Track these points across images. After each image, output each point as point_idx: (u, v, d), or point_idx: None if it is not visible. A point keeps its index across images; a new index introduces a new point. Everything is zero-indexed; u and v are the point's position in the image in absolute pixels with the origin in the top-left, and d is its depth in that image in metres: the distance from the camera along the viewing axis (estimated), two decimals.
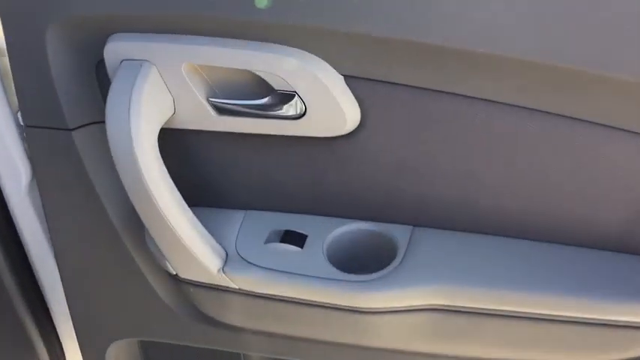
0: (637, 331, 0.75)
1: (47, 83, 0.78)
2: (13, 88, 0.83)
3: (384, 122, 0.75)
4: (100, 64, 0.78)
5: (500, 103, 0.70)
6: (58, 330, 1.11)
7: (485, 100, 0.70)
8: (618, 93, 0.65)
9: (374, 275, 0.81)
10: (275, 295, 0.85)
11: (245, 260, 0.85)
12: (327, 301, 0.82)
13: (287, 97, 0.73)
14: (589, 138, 0.70)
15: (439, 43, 0.66)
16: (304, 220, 0.87)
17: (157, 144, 0.76)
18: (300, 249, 0.84)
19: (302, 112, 0.74)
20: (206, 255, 0.83)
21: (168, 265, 0.88)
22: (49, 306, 1.08)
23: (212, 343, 0.98)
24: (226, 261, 0.85)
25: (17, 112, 0.89)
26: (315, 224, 0.86)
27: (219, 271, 0.85)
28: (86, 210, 0.91)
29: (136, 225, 0.86)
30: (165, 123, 0.78)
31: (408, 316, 0.80)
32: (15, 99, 0.84)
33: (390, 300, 0.80)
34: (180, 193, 0.80)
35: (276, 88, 0.73)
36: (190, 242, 0.81)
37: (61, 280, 1.01)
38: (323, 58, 0.71)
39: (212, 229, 0.86)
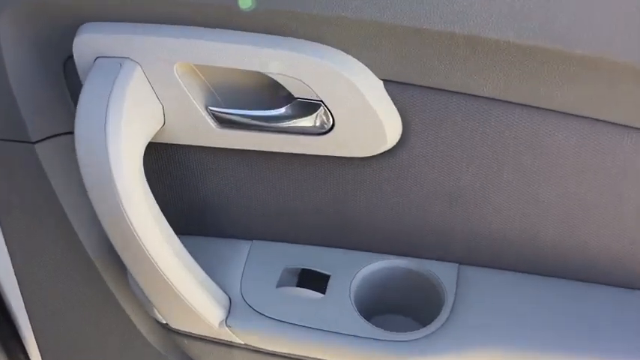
0: None
1: (2, 86, 0.73)
2: None
3: (429, 138, 0.69)
4: (69, 61, 0.72)
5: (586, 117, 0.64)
6: None
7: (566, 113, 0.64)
8: None
9: (418, 333, 0.73)
10: (289, 355, 0.78)
11: (252, 309, 0.77)
12: None
13: (310, 107, 0.67)
14: None
15: (509, 40, 0.59)
16: (324, 254, 0.81)
17: (141, 166, 0.69)
18: (321, 295, 0.77)
19: (329, 127, 0.67)
20: (205, 306, 0.76)
21: (157, 314, 0.81)
22: (23, 342, 1.05)
23: None
24: (230, 310, 0.78)
25: None
26: (337, 260, 0.80)
27: (221, 323, 0.77)
28: (55, 238, 0.86)
29: (117, 257, 0.79)
30: (153, 138, 0.72)
31: None
32: None
33: None
34: (172, 219, 0.74)
35: (296, 95, 0.66)
36: (186, 292, 0.74)
37: (29, 320, 0.98)
38: (357, 58, 0.64)
39: (212, 265, 0.80)
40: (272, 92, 0.68)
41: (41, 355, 1.01)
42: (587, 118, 0.64)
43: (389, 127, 0.67)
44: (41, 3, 0.67)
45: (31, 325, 0.98)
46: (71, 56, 0.70)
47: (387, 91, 0.66)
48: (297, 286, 0.78)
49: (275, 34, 0.64)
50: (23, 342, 1.05)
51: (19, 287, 0.95)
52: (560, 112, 0.64)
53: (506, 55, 0.60)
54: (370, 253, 0.81)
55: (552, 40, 0.58)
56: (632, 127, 0.64)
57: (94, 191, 0.68)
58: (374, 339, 0.73)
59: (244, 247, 0.83)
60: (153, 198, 0.71)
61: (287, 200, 0.78)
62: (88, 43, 0.68)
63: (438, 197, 0.73)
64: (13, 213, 0.86)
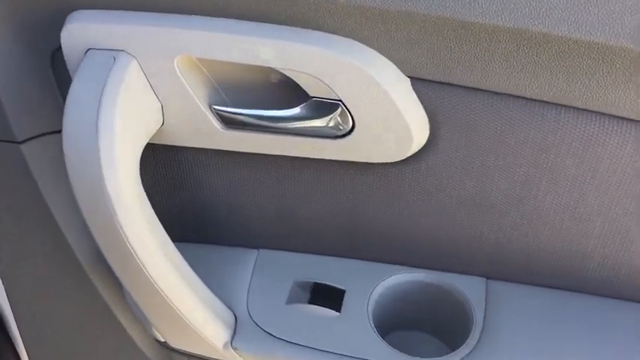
0: None
1: None
2: None
3: (460, 142, 0.65)
4: (57, 53, 0.70)
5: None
6: None
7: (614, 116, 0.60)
8: None
9: (446, 358, 0.70)
10: None
11: (260, 328, 0.74)
12: None
13: (327, 107, 0.64)
14: None
15: (560, 34, 0.55)
16: (337, 266, 0.78)
17: (137, 170, 0.66)
18: (336, 313, 0.73)
19: (348, 129, 0.64)
20: (209, 326, 0.73)
21: (156, 332, 0.78)
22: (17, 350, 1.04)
23: None
24: (235, 329, 0.75)
25: None
26: (353, 273, 0.78)
27: (226, 345, 0.75)
28: (43, 244, 0.82)
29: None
30: (151, 139, 0.70)
31: None
32: None
33: None
34: (172, 226, 0.72)
35: (311, 94, 0.63)
36: (187, 310, 0.71)
37: (18, 330, 0.95)
38: (382, 52, 0.61)
39: (215, 278, 0.78)
40: (284, 90, 0.65)
41: None
42: None
43: (416, 130, 0.63)
44: None
45: (21, 336, 0.96)
46: (59, 47, 0.68)
47: (415, 89, 0.63)
48: (310, 302, 0.75)
49: (289, 25, 0.61)
50: (17, 350, 1.05)
51: (7, 296, 0.93)
52: (615, 116, 0.60)
53: (556, 52, 0.56)
54: (388, 265, 0.78)
55: (614, 36, 0.54)
56: None
57: (83, 198, 0.65)
58: None
59: (250, 256, 0.81)
60: (150, 206, 0.67)
61: (297, 207, 0.75)
62: (78, 33, 0.65)
63: (465, 206, 0.70)
64: None
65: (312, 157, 0.68)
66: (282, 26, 0.61)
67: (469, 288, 0.74)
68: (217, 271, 0.78)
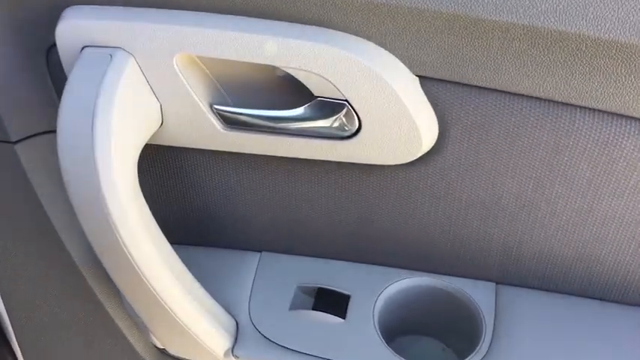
0: None
1: None
2: None
3: (470, 143, 0.64)
4: (52, 50, 0.69)
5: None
6: None
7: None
8: None
9: None
10: None
11: (262, 335, 0.73)
12: None
13: (332, 107, 0.63)
14: None
15: (576, 32, 0.54)
16: (342, 270, 0.77)
17: (135, 172, 0.64)
18: (341, 320, 0.72)
19: (354, 130, 0.63)
20: (209, 333, 0.71)
21: (154, 338, 0.76)
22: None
23: None
24: (237, 337, 0.73)
25: None
26: (358, 278, 0.76)
27: (227, 353, 0.74)
28: (39, 246, 0.81)
29: None
30: (149, 139, 0.69)
31: None
32: None
33: None
34: (171, 228, 0.74)
35: (316, 94, 0.62)
36: (186, 317, 0.69)
37: (15, 337, 0.94)
38: (390, 51, 0.60)
39: (216, 282, 0.77)
40: (288, 90, 0.65)
41: None
42: None
43: (424, 131, 0.62)
44: None
45: (17, 340, 0.95)
46: (54, 45, 0.67)
47: (424, 89, 0.62)
48: (314, 307, 0.74)
49: (293, 21, 0.60)
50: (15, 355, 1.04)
51: (2, 300, 0.92)
52: (633, 118, 0.58)
53: (572, 50, 0.55)
54: (395, 269, 0.77)
55: (634, 34, 0.53)
56: None
57: (78, 200, 0.63)
58: None
59: (252, 259, 0.80)
60: (147, 209, 0.66)
61: (301, 209, 0.74)
62: (73, 29, 0.64)
63: (474, 209, 0.68)
64: None
65: (316, 158, 0.66)
66: (287, 23, 0.60)
67: (478, 293, 0.73)
68: (218, 274, 0.77)
